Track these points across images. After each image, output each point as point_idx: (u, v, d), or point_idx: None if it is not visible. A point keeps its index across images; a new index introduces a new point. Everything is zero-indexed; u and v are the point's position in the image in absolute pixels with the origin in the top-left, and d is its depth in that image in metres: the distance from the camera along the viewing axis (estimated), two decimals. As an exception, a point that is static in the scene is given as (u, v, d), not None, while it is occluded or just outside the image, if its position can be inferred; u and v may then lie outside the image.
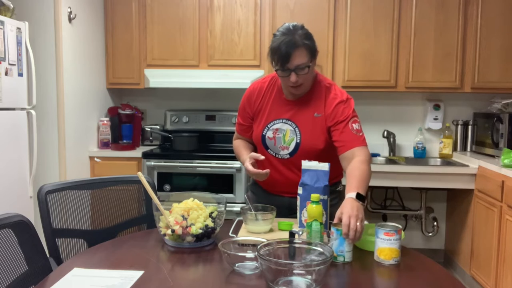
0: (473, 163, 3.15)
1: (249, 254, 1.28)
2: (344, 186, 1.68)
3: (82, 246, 1.73)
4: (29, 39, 2.67)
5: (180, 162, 3.27)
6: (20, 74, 2.59)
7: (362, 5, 3.36)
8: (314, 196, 1.49)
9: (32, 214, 2.64)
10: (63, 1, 2.97)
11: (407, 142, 3.73)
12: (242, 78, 3.35)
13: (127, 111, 3.62)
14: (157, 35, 3.50)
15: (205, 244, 1.50)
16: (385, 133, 3.57)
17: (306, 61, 1.64)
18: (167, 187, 3.28)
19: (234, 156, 2.04)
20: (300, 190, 1.62)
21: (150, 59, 3.52)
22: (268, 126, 1.81)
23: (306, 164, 1.64)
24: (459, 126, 3.61)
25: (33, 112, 2.67)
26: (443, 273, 1.31)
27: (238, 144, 1.95)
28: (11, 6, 2.60)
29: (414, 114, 3.73)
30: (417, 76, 3.38)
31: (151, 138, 3.73)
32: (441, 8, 3.32)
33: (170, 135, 3.58)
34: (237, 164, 3.15)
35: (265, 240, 1.28)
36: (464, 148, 3.61)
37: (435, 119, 3.63)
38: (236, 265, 1.29)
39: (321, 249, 1.24)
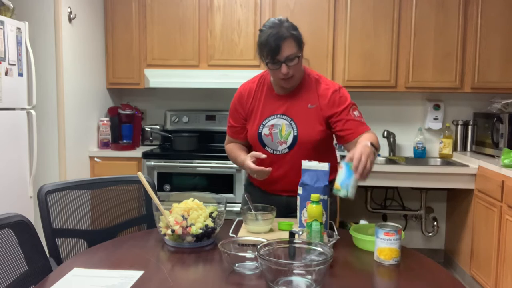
0: (473, 163, 3.15)
1: (249, 254, 1.28)
2: None
3: (82, 246, 1.73)
4: (29, 39, 2.67)
5: (180, 162, 3.27)
6: (20, 74, 2.59)
7: (362, 5, 3.36)
8: (314, 196, 1.49)
9: (32, 214, 2.64)
10: (63, 1, 2.97)
11: (407, 142, 3.73)
12: (242, 78, 3.27)
13: (127, 111, 3.62)
14: (157, 35, 3.50)
15: (205, 244, 1.50)
16: (385, 133, 3.57)
17: (296, 52, 1.67)
18: (167, 187, 3.28)
19: (234, 157, 2.03)
20: (300, 190, 1.62)
21: (150, 59, 3.52)
22: (263, 123, 1.81)
23: (306, 164, 1.64)
24: (459, 126, 3.61)
25: (33, 112, 2.67)
26: (443, 273, 1.31)
27: (232, 148, 1.92)
28: (11, 6, 2.60)
29: (414, 114, 3.73)
30: (417, 76, 3.38)
31: (151, 138, 3.73)
32: (441, 8, 3.32)
33: (170, 135, 3.58)
34: (237, 164, 3.15)
35: (265, 240, 1.28)
36: (464, 148, 3.61)
37: (435, 119, 3.63)
38: (236, 265, 1.29)
39: (321, 249, 1.24)
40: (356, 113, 1.76)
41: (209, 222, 1.50)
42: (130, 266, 1.31)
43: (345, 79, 3.41)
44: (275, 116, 1.80)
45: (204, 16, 3.46)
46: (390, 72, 3.39)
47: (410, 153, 3.71)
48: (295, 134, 1.77)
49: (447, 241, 3.70)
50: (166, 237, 1.50)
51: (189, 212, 1.51)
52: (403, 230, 1.88)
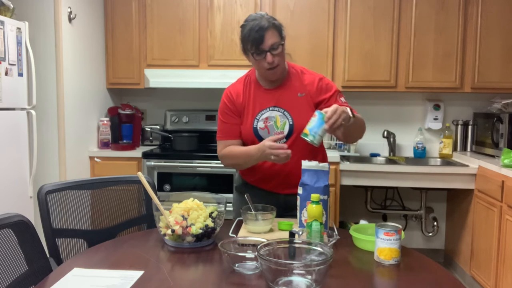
0: (473, 163, 3.15)
1: (249, 254, 1.28)
2: None
3: (82, 246, 1.73)
4: (29, 39, 2.67)
5: (180, 162, 3.27)
6: (20, 74, 2.59)
7: (362, 5, 3.36)
8: (314, 196, 1.49)
9: (32, 214, 2.64)
10: (63, 1, 2.97)
11: (407, 142, 3.73)
12: (242, 78, 3.34)
13: (127, 111, 3.62)
14: (157, 35, 3.50)
15: (205, 244, 1.51)
16: (385, 133, 3.57)
17: (279, 40, 1.73)
18: (167, 187, 3.28)
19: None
20: (300, 190, 1.62)
21: (150, 59, 3.52)
22: (257, 117, 1.83)
23: (306, 164, 1.64)
24: (459, 126, 3.61)
25: (33, 112, 2.67)
26: (443, 273, 1.31)
27: (230, 150, 1.85)
28: (11, 6, 2.60)
29: (414, 114, 3.73)
30: (417, 76, 3.38)
31: (151, 138, 3.73)
32: (441, 8, 3.32)
33: (170, 135, 3.58)
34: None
35: (265, 240, 1.28)
36: (464, 148, 3.61)
37: (435, 119, 3.63)
38: (236, 265, 1.29)
39: (321, 249, 1.24)
40: (342, 99, 1.84)
41: (209, 222, 1.50)
42: (130, 266, 1.31)
43: (345, 79, 3.41)
44: (268, 109, 1.82)
45: (204, 16, 3.46)
46: (390, 72, 3.39)
47: (410, 153, 3.71)
48: (291, 123, 1.80)
49: (447, 241, 3.70)
50: (166, 237, 1.50)
51: (189, 212, 1.51)
52: (403, 230, 1.88)
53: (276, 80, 1.84)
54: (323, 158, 1.91)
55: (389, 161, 3.49)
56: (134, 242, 1.57)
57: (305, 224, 1.51)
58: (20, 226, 1.35)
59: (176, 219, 1.48)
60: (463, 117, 3.64)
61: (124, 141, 3.58)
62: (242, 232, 1.59)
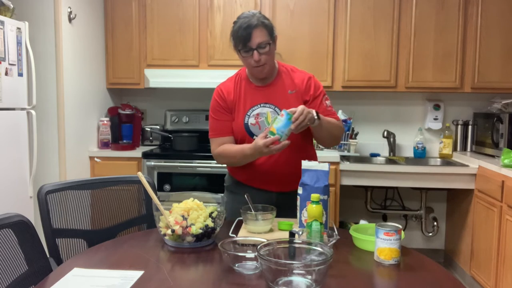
0: (473, 163, 3.15)
1: (249, 254, 1.28)
2: None
3: (82, 246, 1.73)
4: (29, 39, 2.67)
5: (180, 162, 3.27)
6: (20, 74, 2.59)
7: (362, 5, 3.36)
8: (314, 196, 1.49)
9: (32, 214, 2.64)
10: (63, 1, 2.97)
11: (407, 142, 3.73)
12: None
13: (127, 111, 3.62)
14: (157, 35, 3.50)
15: (205, 244, 1.50)
16: (385, 133, 3.57)
17: (266, 39, 1.76)
18: (167, 187, 3.28)
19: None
20: (300, 190, 1.62)
21: (150, 59, 3.52)
22: (248, 114, 1.84)
23: (306, 164, 1.64)
24: (459, 126, 3.61)
25: (33, 112, 2.67)
26: (443, 273, 1.31)
27: (225, 148, 1.86)
28: (11, 6, 2.60)
29: (414, 114, 3.73)
30: (417, 76, 3.38)
31: (151, 138, 3.73)
32: (441, 8, 3.32)
33: (170, 135, 3.58)
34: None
35: (265, 240, 1.28)
36: (464, 148, 3.61)
37: (435, 119, 3.63)
38: (236, 265, 1.29)
39: (321, 249, 1.24)
40: (328, 102, 1.89)
41: (209, 222, 1.50)
42: (130, 266, 1.31)
43: (345, 79, 3.41)
44: (259, 105, 1.84)
45: (204, 16, 3.46)
46: (390, 72, 3.39)
47: (410, 153, 3.71)
48: None
49: (447, 241, 3.70)
50: (166, 237, 1.50)
51: (189, 212, 1.51)
52: (403, 230, 1.88)
53: (266, 78, 1.86)
54: (313, 153, 1.93)
55: (389, 161, 3.49)
56: (134, 242, 1.57)
57: (305, 224, 1.51)
58: (20, 226, 1.35)
59: (176, 219, 1.48)
60: (463, 117, 3.64)
61: (124, 141, 3.58)
62: (242, 232, 1.59)
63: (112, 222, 1.85)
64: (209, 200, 1.63)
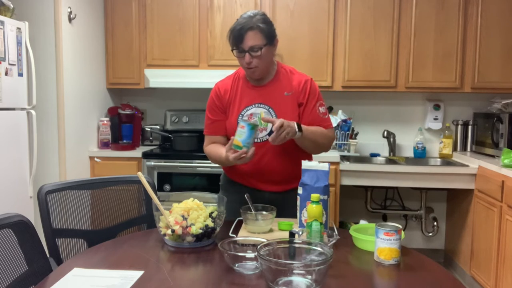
0: (473, 163, 3.15)
1: (249, 254, 1.28)
2: None
3: (82, 246, 1.73)
4: (29, 39, 2.67)
5: (180, 162, 3.27)
6: (20, 74, 2.59)
7: (362, 5, 3.36)
8: (314, 196, 1.49)
9: (32, 214, 2.65)
10: (63, 1, 2.97)
11: (407, 142, 3.73)
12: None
13: (127, 111, 3.62)
14: (157, 35, 3.50)
15: (205, 244, 1.51)
16: (385, 133, 3.57)
17: (260, 44, 1.74)
18: (167, 187, 3.28)
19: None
20: (300, 190, 1.62)
21: (150, 59, 3.52)
22: (242, 113, 1.85)
23: (306, 164, 1.64)
24: (459, 126, 3.61)
25: (33, 112, 2.67)
26: (443, 273, 1.31)
27: (211, 148, 1.89)
28: (11, 6, 2.60)
29: (414, 114, 3.73)
30: (417, 76, 3.38)
31: (151, 138, 3.73)
32: (441, 8, 3.32)
33: (170, 135, 3.58)
34: (237, 164, 3.15)
35: (265, 240, 1.28)
36: (464, 148, 3.61)
37: (435, 119, 3.63)
38: (236, 265, 1.29)
39: (321, 249, 1.24)
40: (322, 109, 1.87)
41: (209, 222, 1.50)
42: (130, 266, 1.31)
43: (345, 79, 3.41)
44: (253, 105, 1.84)
45: (204, 16, 3.46)
46: (390, 72, 3.39)
47: (410, 153, 3.71)
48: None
49: (447, 241, 3.70)
50: (166, 237, 1.50)
51: (189, 212, 1.51)
52: (403, 230, 1.88)
53: (263, 78, 1.86)
54: (307, 154, 1.92)
55: (389, 161, 3.49)
56: (134, 242, 1.57)
57: (305, 224, 1.51)
58: (20, 226, 1.35)
59: (176, 219, 1.48)
60: (463, 117, 3.64)
61: (124, 141, 3.58)
62: (242, 232, 1.59)
63: (112, 222, 1.85)
64: (209, 200, 1.63)
